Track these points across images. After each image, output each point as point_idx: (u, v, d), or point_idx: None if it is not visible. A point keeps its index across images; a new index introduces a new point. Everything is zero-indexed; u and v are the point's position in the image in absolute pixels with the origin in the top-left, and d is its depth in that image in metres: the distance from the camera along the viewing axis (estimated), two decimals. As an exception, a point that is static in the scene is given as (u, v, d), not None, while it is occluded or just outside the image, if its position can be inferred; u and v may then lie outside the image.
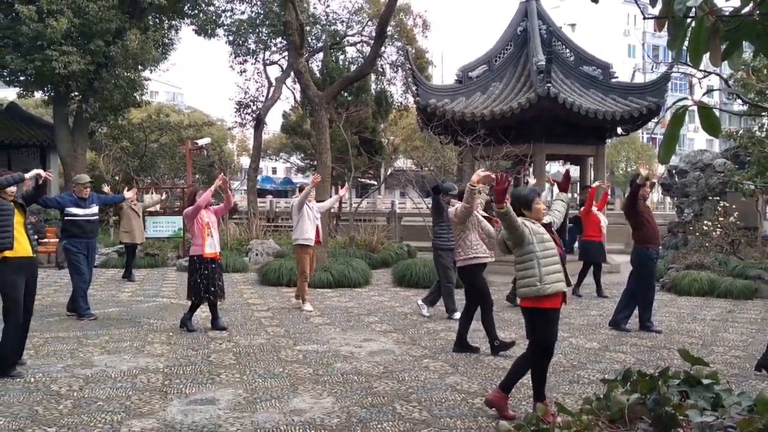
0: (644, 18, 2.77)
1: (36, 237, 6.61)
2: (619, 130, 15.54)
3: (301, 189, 10.16)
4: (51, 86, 19.82)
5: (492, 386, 5.65)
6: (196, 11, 23.36)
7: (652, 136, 59.35)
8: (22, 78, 19.37)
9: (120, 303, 10.24)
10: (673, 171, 15.70)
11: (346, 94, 26.44)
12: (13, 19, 17.90)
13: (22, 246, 6.09)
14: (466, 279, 7.15)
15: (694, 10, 2.22)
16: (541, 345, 4.94)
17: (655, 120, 14.53)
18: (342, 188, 11.01)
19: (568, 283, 4.98)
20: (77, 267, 8.74)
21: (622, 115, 13.71)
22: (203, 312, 9.27)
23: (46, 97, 22.52)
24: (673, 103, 2.27)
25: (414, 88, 15.23)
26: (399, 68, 30.29)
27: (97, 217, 9.10)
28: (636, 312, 8.28)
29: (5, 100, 28.40)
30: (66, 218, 8.79)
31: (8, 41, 18.01)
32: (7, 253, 6.00)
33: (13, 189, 6.12)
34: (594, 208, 11.14)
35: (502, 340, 6.99)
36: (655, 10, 2.48)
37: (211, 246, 7.99)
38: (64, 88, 19.64)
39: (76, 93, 20.60)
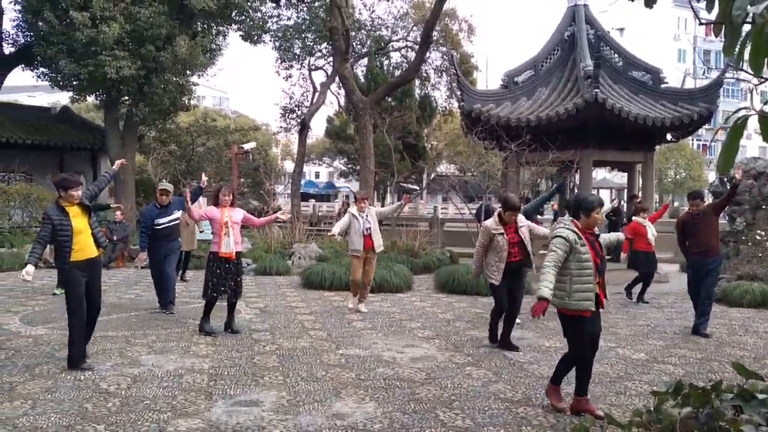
0: (699, 23, 2.71)
1: (105, 239, 6.80)
2: (669, 137, 15.22)
3: (356, 200, 10.33)
4: (103, 91, 20.34)
5: (536, 395, 5.63)
6: (244, 17, 23.70)
7: (704, 143, 58.08)
8: (75, 83, 19.89)
9: (166, 304, 10.41)
10: (725, 179, 15.32)
11: (390, 99, 26.53)
12: (67, 25, 18.42)
13: (84, 251, 6.32)
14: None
15: (751, 15, 2.17)
16: (579, 346, 5.14)
17: (708, 127, 14.23)
18: (405, 198, 10.89)
19: (604, 295, 5.07)
20: (154, 267, 9.52)
21: (672, 121, 13.44)
22: (247, 314, 9.40)
23: (98, 102, 23.13)
24: (734, 112, 2.21)
25: (458, 93, 15.18)
26: (443, 73, 30.27)
27: (178, 221, 9.77)
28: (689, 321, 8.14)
29: (58, 104, 29.26)
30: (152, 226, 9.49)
31: (62, 47, 18.54)
32: (72, 259, 6.25)
33: (78, 192, 6.32)
34: (641, 219, 11.04)
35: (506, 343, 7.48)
36: (711, 15, 2.42)
37: (227, 246, 7.87)
38: (115, 93, 20.13)
39: (127, 97, 21.09)
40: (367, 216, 9.76)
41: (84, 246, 6.30)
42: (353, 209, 9.91)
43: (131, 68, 18.20)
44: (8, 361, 6.54)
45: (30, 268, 6.10)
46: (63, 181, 6.34)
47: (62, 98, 37.71)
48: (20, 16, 21.26)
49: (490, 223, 7.47)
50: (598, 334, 5.25)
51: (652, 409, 2.57)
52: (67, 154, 22.12)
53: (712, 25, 2.42)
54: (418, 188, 38.61)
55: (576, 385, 5.22)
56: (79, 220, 6.28)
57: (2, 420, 4.79)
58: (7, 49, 22.77)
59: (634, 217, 11.24)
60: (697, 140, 57.88)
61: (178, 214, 9.62)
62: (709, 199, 16.61)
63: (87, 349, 6.69)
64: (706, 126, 14.19)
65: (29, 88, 61.85)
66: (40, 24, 19.12)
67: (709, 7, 2.37)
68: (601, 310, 5.18)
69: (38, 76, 22.19)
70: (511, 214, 7.37)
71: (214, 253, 7.96)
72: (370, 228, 9.74)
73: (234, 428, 4.73)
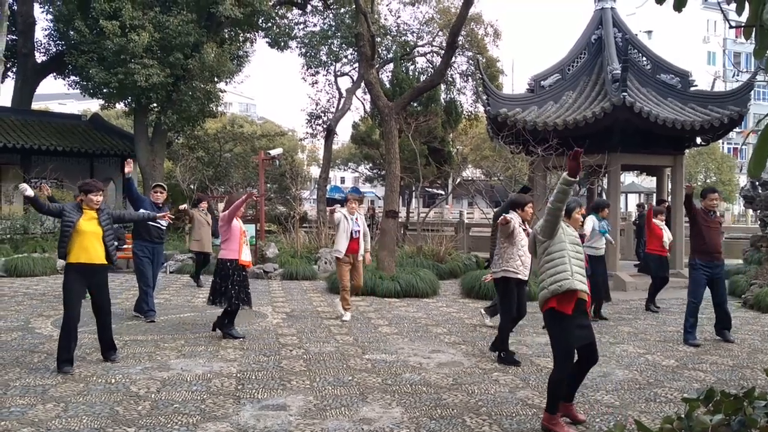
0: (730, 26, 2.68)
1: (116, 243, 6.88)
2: (699, 140, 15.02)
3: (346, 201, 10.19)
4: (132, 98, 20.65)
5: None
6: (270, 24, 23.92)
7: (734, 146, 57.15)
8: (105, 90, 20.22)
9: (194, 308, 10.52)
10: (756, 183, 15.06)
11: (415, 104, 26.45)
12: (97, 34, 18.75)
13: (87, 253, 6.41)
14: (498, 288, 7.50)
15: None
16: (559, 351, 4.85)
17: (738, 130, 14.03)
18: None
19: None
20: (141, 270, 9.27)
21: (702, 124, 13.26)
22: (274, 319, 9.45)
23: (127, 109, 23.48)
24: (765, 116, 2.19)
25: (484, 98, 15.13)
26: (469, 77, 30.19)
27: (161, 228, 9.46)
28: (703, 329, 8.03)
29: (89, 111, 29.77)
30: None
31: (93, 55, 18.88)
32: (71, 259, 6.41)
33: (98, 197, 6.50)
34: (659, 222, 10.83)
35: (511, 354, 7.11)
36: (741, 18, 2.39)
37: (246, 254, 8.09)
38: (144, 100, 20.42)
39: (156, 104, 21.39)
40: (357, 219, 9.57)
41: (85, 249, 6.38)
42: (343, 210, 9.68)
43: (160, 76, 18.46)
44: (41, 364, 6.65)
45: (26, 186, 6.59)
46: (84, 185, 6.65)
47: (92, 106, 38.36)
48: (52, 25, 21.74)
49: (515, 216, 7.25)
50: (589, 341, 4.92)
51: (683, 416, 2.54)
52: (98, 160, 22.45)
53: (742, 28, 2.40)
54: (443, 193, 38.52)
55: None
56: (87, 223, 6.42)
57: (35, 422, 4.88)
58: (40, 58, 23.24)
59: (654, 220, 11.02)
60: (727, 143, 56.99)
61: (163, 223, 9.27)
62: (740, 203, 16.36)
63: (116, 354, 6.82)
64: (737, 129, 13.96)
65: (60, 96, 62.94)
66: (71, 33, 19.50)
67: (740, 10, 2.34)
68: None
69: (69, 85, 22.62)
70: (528, 206, 7.36)
71: (232, 261, 7.98)
72: (358, 231, 9.51)
73: (262, 432, 4.76)
